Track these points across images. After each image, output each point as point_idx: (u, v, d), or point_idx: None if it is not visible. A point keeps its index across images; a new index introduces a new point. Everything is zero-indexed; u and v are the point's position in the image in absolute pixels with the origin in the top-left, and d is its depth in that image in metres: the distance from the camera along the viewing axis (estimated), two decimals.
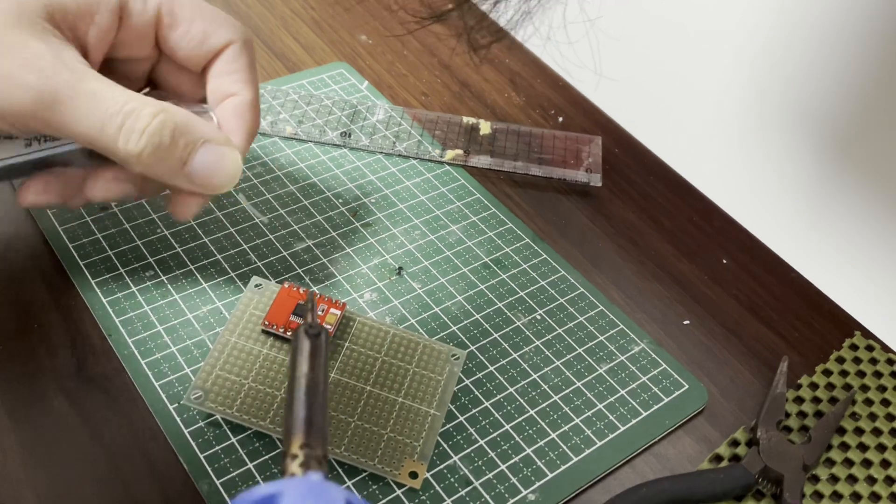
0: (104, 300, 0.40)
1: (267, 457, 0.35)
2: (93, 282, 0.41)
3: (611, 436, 0.38)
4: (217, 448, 0.35)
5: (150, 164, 0.34)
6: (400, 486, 0.35)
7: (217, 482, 0.34)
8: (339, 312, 0.39)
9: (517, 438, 0.37)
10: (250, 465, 0.35)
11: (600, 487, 0.36)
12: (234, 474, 0.34)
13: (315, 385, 0.27)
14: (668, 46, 0.85)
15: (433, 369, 0.38)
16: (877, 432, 0.40)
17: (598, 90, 0.62)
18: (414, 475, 0.35)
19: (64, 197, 0.38)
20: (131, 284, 0.41)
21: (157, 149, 0.34)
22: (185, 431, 0.35)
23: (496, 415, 0.38)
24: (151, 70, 0.41)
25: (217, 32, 0.39)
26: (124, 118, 0.33)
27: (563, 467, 0.36)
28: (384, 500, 0.34)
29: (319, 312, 0.38)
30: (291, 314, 0.38)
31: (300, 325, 0.29)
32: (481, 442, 0.37)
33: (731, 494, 0.36)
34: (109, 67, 0.38)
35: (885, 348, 0.44)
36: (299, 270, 0.43)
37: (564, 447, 0.37)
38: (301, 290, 0.39)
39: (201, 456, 0.35)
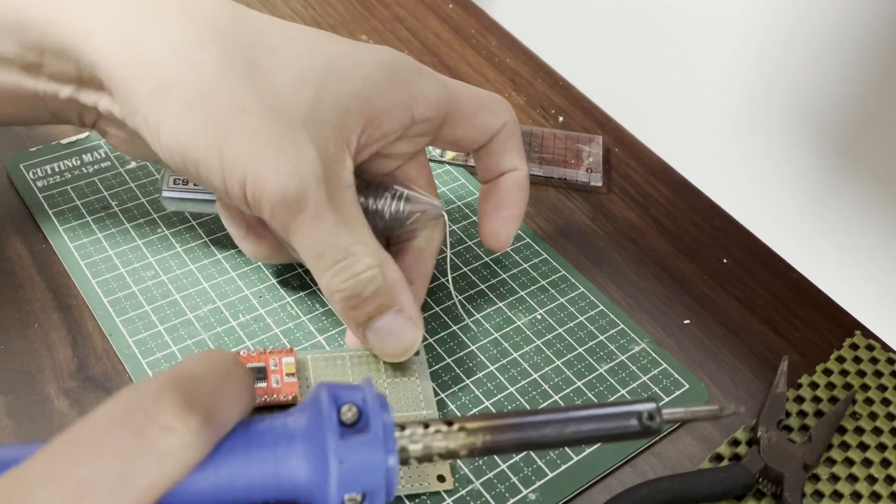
0: (105, 300, 0.40)
1: None
2: (94, 282, 0.41)
3: None
4: None
5: (339, 305, 0.35)
6: (433, 493, 0.34)
7: None
8: (292, 359, 0.37)
9: None
10: None
11: (601, 487, 0.36)
12: None
13: (564, 439, 0.28)
14: (668, 46, 0.85)
15: (403, 372, 0.38)
16: (877, 431, 0.40)
17: (599, 90, 0.62)
18: (442, 478, 0.35)
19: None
20: (132, 284, 0.41)
21: (353, 297, 0.34)
22: None
23: None
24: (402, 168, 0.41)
25: (492, 117, 0.40)
26: (344, 256, 0.34)
27: (563, 466, 0.36)
28: None
29: (274, 368, 0.37)
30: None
31: None
32: None
33: (732, 494, 0.36)
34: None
35: (886, 347, 0.44)
36: (300, 270, 0.43)
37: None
38: (253, 353, 0.37)
39: None
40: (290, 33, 0.36)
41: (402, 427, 0.26)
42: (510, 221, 0.41)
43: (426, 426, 0.26)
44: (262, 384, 0.36)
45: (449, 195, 0.49)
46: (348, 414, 0.25)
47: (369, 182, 0.38)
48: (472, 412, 0.38)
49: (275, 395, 0.36)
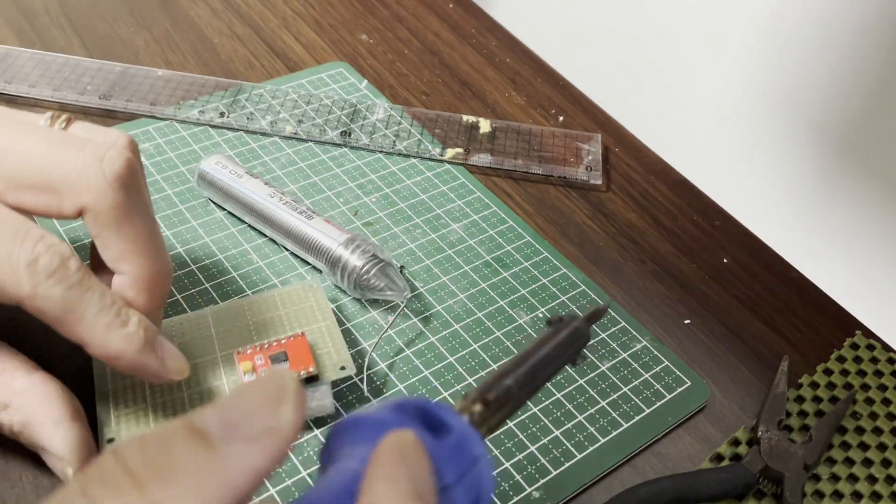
0: None
1: None
2: None
3: (614, 433, 0.38)
4: None
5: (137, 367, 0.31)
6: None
7: None
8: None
9: (521, 436, 0.37)
10: None
11: (601, 486, 0.36)
12: None
13: (530, 357, 0.26)
14: (669, 45, 0.85)
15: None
16: (878, 431, 0.40)
17: (599, 89, 0.62)
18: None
19: None
20: None
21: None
22: None
23: None
24: None
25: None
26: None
27: (566, 464, 0.36)
28: None
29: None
30: None
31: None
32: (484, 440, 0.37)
33: (732, 494, 0.36)
34: None
35: (886, 347, 0.44)
36: (300, 270, 0.43)
37: (568, 444, 0.37)
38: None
39: None
40: None
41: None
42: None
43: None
44: (285, 365, 0.36)
45: (449, 194, 0.49)
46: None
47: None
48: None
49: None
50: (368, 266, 0.40)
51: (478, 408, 0.25)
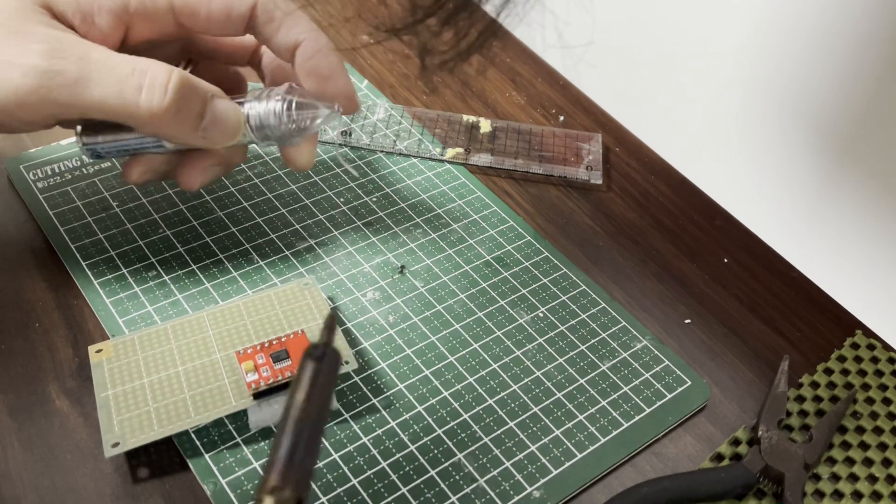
0: (107, 301, 0.40)
1: None
2: (95, 283, 0.41)
3: (614, 432, 0.38)
4: (222, 448, 0.35)
5: (171, 121, 0.34)
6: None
7: (223, 481, 0.34)
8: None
9: (521, 435, 0.37)
10: (255, 465, 0.35)
11: (601, 486, 0.36)
12: (239, 473, 0.34)
13: (307, 417, 0.25)
14: (669, 45, 0.85)
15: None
16: (878, 431, 0.40)
17: (599, 89, 0.62)
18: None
19: (162, 175, 0.39)
20: (134, 285, 0.41)
21: (181, 103, 0.34)
22: (190, 431, 0.35)
23: (500, 412, 0.38)
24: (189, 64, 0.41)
25: None
26: (140, 77, 0.33)
27: (567, 464, 0.36)
28: (389, 497, 0.34)
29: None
30: None
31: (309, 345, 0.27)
32: (486, 439, 0.37)
33: (733, 493, 0.36)
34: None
35: (887, 347, 0.44)
36: (301, 269, 0.43)
37: (568, 444, 0.37)
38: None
39: (206, 454, 0.35)
40: None
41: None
42: (345, 89, 0.38)
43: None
44: (287, 363, 0.36)
45: (449, 193, 0.49)
46: None
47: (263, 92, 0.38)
48: (474, 410, 0.38)
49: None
50: (281, 105, 0.37)
51: None
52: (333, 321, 0.28)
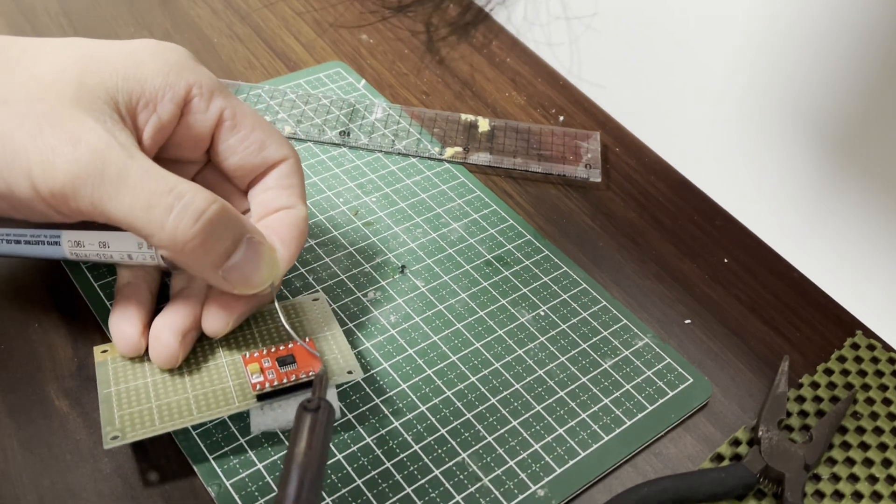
0: (107, 302, 0.40)
1: (276, 457, 0.35)
2: (95, 284, 0.41)
3: (617, 430, 0.38)
4: (226, 449, 0.35)
5: (194, 254, 0.32)
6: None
7: (227, 483, 0.34)
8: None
9: (525, 434, 0.37)
10: (260, 466, 0.34)
11: (602, 486, 0.36)
12: (243, 475, 0.34)
13: (309, 462, 0.28)
14: (668, 45, 0.85)
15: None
16: (878, 431, 0.40)
17: (599, 89, 0.62)
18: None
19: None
20: None
21: (209, 237, 0.32)
22: (193, 432, 0.35)
23: (503, 411, 0.38)
24: (195, 178, 0.39)
25: (274, 146, 0.38)
26: (175, 199, 0.31)
27: (570, 462, 0.36)
28: (392, 499, 0.34)
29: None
30: None
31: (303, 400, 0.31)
32: (489, 438, 0.37)
33: (733, 494, 0.36)
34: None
35: (887, 347, 0.44)
36: (302, 270, 0.43)
37: (572, 442, 0.37)
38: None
39: (210, 457, 0.34)
40: (44, 40, 0.36)
41: None
42: (272, 267, 0.35)
43: None
44: (293, 367, 0.35)
45: (449, 193, 0.49)
46: None
47: None
48: (477, 409, 0.38)
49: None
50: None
51: None
52: (323, 379, 0.32)
